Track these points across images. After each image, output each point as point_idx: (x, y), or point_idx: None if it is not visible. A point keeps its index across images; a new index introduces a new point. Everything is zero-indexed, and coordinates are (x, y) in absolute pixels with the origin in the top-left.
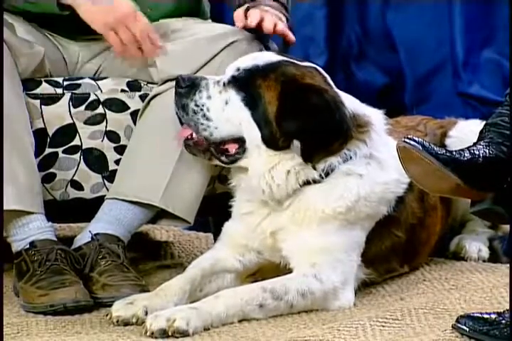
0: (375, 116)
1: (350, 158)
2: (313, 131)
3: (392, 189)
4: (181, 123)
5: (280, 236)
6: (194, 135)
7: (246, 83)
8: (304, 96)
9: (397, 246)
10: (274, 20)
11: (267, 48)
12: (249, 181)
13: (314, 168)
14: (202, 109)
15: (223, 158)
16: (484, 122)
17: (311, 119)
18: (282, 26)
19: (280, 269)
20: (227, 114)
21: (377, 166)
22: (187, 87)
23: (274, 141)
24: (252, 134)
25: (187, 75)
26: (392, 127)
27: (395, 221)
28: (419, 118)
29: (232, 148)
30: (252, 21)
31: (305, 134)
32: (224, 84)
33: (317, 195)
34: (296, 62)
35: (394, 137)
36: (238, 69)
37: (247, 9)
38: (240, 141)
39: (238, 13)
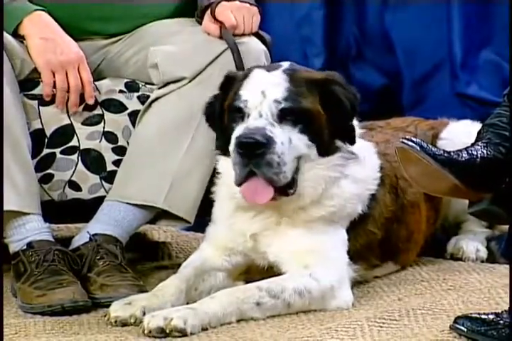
0: None
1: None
2: (353, 114)
3: (368, 186)
4: (239, 184)
5: (263, 239)
6: (272, 193)
7: (295, 111)
8: (338, 89)
9: (373, 243)
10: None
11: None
12: (303, 192)
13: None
14: (282, 158)
15: (291, 191)
16: (476, 122)
17: (353, 105)
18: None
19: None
20: (293, 150)
21: (356, 165)
22: (265, 144)
23: (326, 149)
24: (309, 154)
25: (251, 134)
26: (381, 129)
27: (370, 218)
28: (410, 120)
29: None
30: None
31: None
32: (276, 121)
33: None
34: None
35: (378, 138)
36: (278, 102)
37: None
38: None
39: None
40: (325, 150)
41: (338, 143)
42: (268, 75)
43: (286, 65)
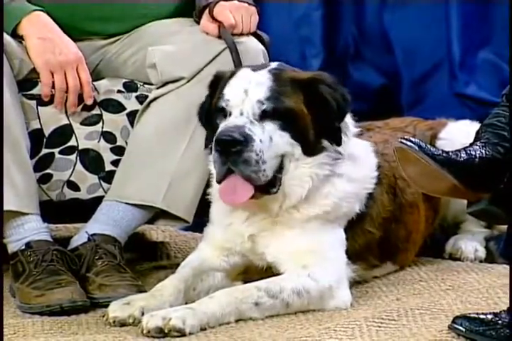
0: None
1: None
2: (342, 116)
3: (365, 185)
4: (219, 182)
5: (261, 240)
6: (251, 191)
7: (277, 110)
8: (325, 88)
9: (372, 243)
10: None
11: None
12: (289, 190)
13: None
14: (261, 156)
15: (273, 190)
16: (474, 123)
17: (341, 105)
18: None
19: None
20: (274, 148)
21: (351, 164)
22: (242, 142)
23: (312, 149)
24: (293, 152)
25: (229, 131)
26: (379, 129)
27: (367, 218)
28: (409, 120)
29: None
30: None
31: (337, 121)
32: (257, 120)
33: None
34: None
35: (377, 138)
36: (261, 102)
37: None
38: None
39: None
40: (310, 149)
41: (325, 142)
42: (253, 74)
43: (274, 64)
